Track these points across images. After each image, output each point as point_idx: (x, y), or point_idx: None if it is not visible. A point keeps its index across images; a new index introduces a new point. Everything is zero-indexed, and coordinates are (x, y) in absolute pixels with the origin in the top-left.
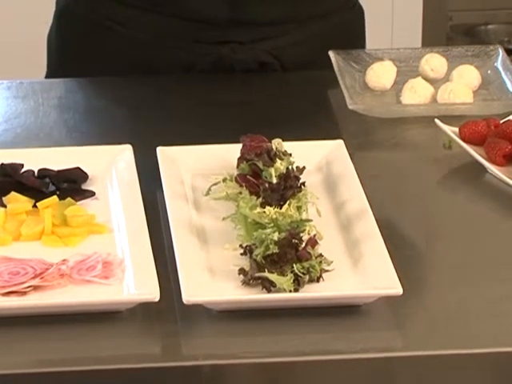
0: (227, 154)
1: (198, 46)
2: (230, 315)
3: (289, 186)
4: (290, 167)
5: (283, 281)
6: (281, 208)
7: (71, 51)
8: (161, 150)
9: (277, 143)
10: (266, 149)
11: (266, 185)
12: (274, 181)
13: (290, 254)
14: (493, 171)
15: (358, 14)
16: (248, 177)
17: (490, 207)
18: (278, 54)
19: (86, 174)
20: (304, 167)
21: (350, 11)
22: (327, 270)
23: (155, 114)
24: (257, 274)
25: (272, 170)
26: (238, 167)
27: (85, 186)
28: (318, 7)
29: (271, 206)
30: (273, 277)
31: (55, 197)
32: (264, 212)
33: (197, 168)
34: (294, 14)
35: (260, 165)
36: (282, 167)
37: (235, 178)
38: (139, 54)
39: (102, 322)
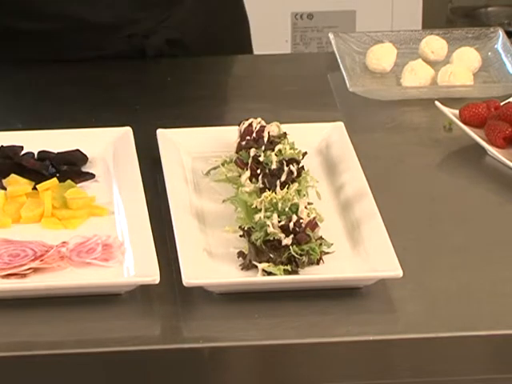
0: (227, 137)
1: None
2: (230, 297)
3: (289, 171)
4: (289, 151)
5: (276, 270)
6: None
7: None
8: (161, 133)
9: (276, 126)
10: (263, 133)
11: (266, 170)
12: (274, 166)
13: (289, 239)
14: (493, 153)
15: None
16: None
17: (490, 189)
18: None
19: (85, 156)
20: (306, 152)
21: None
22: (327, 253)
23: (155, 96)
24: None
25: (272, 155)
26: (237, 151)
27: (85, 169)
28: None
29: (270, 190)
30: (265, 267)
31: (55, 179)
32: (265, 197)
33: (197, 150)
34: None
35: (260, 152)
36: (282, 151)
37: (235, 161)
38: None
39: (101, 304)
